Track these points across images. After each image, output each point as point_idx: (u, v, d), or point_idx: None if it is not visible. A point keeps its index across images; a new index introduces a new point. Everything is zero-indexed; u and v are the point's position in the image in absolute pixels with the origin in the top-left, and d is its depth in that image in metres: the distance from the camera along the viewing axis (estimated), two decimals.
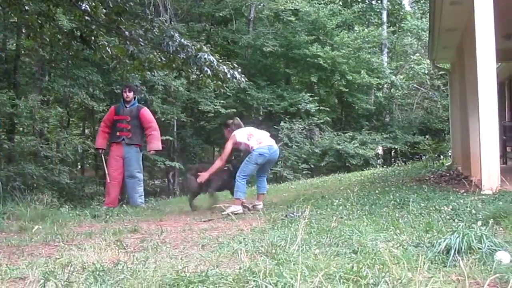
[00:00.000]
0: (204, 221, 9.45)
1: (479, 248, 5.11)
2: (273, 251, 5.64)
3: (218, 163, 11.44)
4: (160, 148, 14.01)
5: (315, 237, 6.39)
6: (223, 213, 10.26)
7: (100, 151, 14.24)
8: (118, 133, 13.45)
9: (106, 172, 14.16)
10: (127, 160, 13.34)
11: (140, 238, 7.56)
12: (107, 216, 10.47)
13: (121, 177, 13.35)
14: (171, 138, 30.33)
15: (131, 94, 13.54)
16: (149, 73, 18.38)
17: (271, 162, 11.59)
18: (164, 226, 8.60)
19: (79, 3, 13.55)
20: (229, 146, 11.33)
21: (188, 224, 9.03)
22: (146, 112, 13.64)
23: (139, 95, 25.93)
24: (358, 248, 5.60)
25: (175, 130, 31.53)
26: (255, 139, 11.27)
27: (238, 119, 12.23)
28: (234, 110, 32.45)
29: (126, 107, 13.50)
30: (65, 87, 23.92)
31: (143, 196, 13.61)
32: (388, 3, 41.77)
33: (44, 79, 24.21)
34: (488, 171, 10.10)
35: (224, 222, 9.09)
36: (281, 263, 5.04)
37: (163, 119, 29.18)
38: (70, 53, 20.58)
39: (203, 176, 11.35)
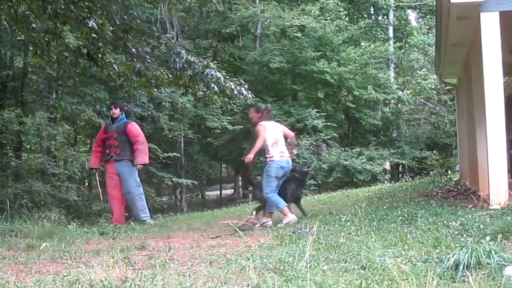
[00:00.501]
0: (212, 238, 9.45)
1: (488, 264, 5.11)
2: (281, 267, 5.64)
3: (259, 144, 11.25)
4: (147, 162, 13.85)
5: (323, 253, 6.39)
6: (279, 225, 10.34)
7: (94, 170, 14.37)
8: (107, 151, 13.47)
9: (100, 191, 14.25)
10: (122, 176, 13.25)
11: (147, 255, 7.56)
12: (115, 233, 10.48)
13: (120, 194, 13.28)
14: (178, 155, 30.38)
15: (117, 111, 13.49)
16: (156, 90, 18.40)
17: (284, 176, 11.57)
18: (172, 243, 8.60)
19: (86, 20, 13.57)
20: (263, 134, 11.26)
21: (196, 241, 9.04)
22: (133, 127, 13.56)
23: (146, 112, 26.02)
24: (366, 264, 5.60)
25: (182, 146, 31.53)
26: (278, 150, 11.29)
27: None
28: (241, 126, 32.45)
29: (113, 124, 13.52)
30: (72, 104, 23.94)
31: (146, 210, 13.39)
32: (394, 18, 41.76)
33: (51, 97, 24.23)
34: (496, 186, 10.08)
35: (231, 238, 9.08)
36: (289, 280, 5.04)
37: (170, 135, 29.26)
38: (77, 71, 20.65)
39: (249, 157, 11.25)
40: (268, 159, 11.21)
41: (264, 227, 10.42)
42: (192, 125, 32.76)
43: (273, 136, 11.38)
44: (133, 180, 13.31)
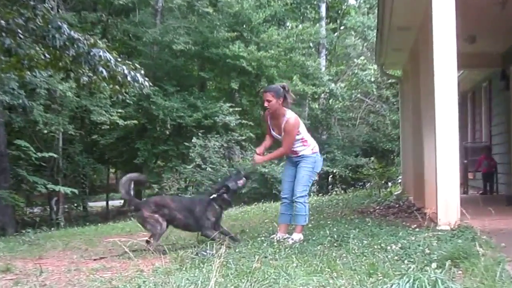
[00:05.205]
0: (95, 260, 9.39)
1: None
2: None
3: (282, 151, 10.70)
4: None
5: (233, 280, 6.41)
6: (284, 239, 10.03)
7: None
8: None
9: None
10: None
11: (13, 279, 7.48)
12: None
13: None
14: (55, 155, 29.95)
15: None
16: (29, 73, 18.13)
17: None
18: (44, 265, 8.51)
19: None
20: (294, 133, 10.54)
21: (74, 263, 8.97)
22: None
23: (16, 101, 25.66)
24: None
25: (60, 145, 31.20)
26: (312, 138, 10.95)
27: None
28: (136, 121, 32.26)
29: None
30: None
31: None
32: None
33: None
34: (446, 202, 10.20)
35: (119, 261, 9.04)
36: None
37: (45, 131, 28.87)
38: None
39: (259, 159, 10.84)
40: (312, 151, 10.81)
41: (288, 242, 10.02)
42: (74, 118, 32.46)
43: (303, 124, 10.93)
44: None
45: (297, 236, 10.17)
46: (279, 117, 10.58)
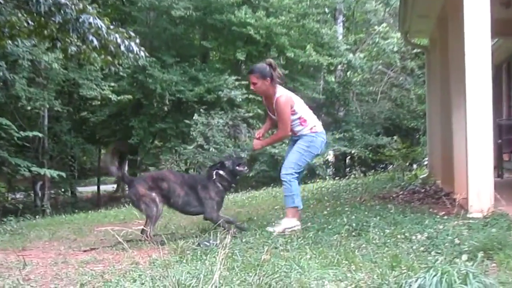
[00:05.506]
0: (85, 251, 9.39)
1: None
2: None
3: (281, 134, 10.89)
4: None
5: (239, 274, 6.40)
6: (269, 228, 10.10)
7: None
8: None
9: None
10: None
11: None
12: None
13: None
14: (40, 135, 29.84)
15: None
16: (10, 42, 18.10)
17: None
18: (28, 257, 8.52)
19: None
20: (287, 111, 10.61)
21: (62, 255, 8.98)
22: None
23: None
24: None
25: (45, 123, 31.12)
26: (314, 116, 11.03)
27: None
28: (130, 97, 32.14)
29: None
30: None
31: None
32: None
33: None
34: (478, 187, 10.15)
35: (112, 252, 9.04)
36: None
37: (29, 107, 28.78)
38: None
39: (257, 144, 11.11)
40: (310, 130, 10.86)
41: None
42: (61, 93, 32.39)
43: (300, 100, 11.01)
44: None
45: (286, 222, 10.28)
46: (271, 98, 10.70)
